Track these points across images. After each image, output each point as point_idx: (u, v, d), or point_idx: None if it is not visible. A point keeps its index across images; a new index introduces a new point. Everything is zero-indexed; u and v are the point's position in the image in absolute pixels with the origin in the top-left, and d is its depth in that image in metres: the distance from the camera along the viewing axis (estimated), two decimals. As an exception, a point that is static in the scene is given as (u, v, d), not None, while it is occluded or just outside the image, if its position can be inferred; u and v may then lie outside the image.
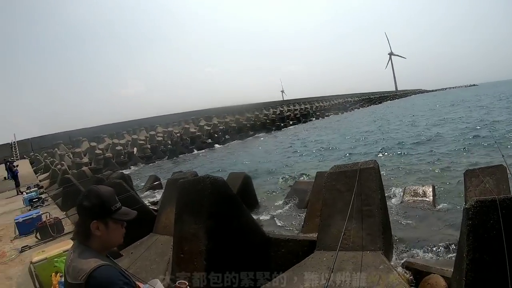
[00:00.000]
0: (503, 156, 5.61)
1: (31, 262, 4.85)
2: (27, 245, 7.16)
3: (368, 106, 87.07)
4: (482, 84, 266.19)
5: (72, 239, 1.91)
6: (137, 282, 2.22)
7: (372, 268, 3.65)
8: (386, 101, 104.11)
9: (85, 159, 32.84)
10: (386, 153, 17.50)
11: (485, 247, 2.29)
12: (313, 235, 4.63)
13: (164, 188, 8.09)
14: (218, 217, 4.14)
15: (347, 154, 19.45)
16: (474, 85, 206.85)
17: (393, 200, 8.44)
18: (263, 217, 9.13)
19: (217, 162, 25.23)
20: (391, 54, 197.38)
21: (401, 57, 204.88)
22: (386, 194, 4.81)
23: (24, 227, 8.45)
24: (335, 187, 4.44)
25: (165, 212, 6.31)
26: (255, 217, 8.97)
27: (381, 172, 4.77)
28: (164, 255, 5.36)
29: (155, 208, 8.10)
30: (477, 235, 2.32)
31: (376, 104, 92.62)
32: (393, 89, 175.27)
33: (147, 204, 8.53)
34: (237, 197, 4.51)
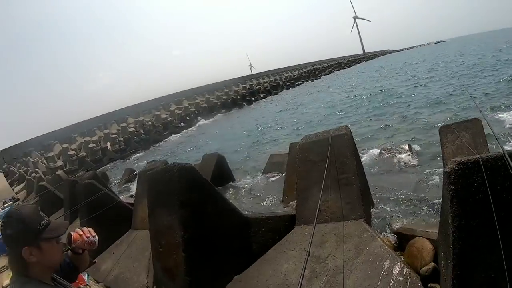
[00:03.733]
0: (479, 108, 5.47)
1: (3, 286, 4.69)
2: (4, 266, 6.84)
3: (337, 71, 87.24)
4: (450, 39, 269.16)
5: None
6: None
7: (355, 237, 3.57)
8: (354, 64, 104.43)
9: (59, 162, 32.13)
10: (358, 117, 17.47)
11: (471, 212, 2.16)
12: (293, 209, 4.53)
13: (136, 181, 7.89)
14: (191, 205, 3.97)
15: (320, 122, 19.34)
16: (441, 41, 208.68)
17: (370, 164, 8.39)
18: (241, 195, 9.01)
19: (191, 145, 24.99)
20: (355, 17, 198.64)
21: (366, 20, 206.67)
22: (362, 159, 4.71)
23: (2, 246, 8.08)
24: (308, 158, 4.33)
25: (140, 206, 6.16)
26: (233, 196, 8.90)
27: (355, 137, 4.65)
28: (145, 251, 5.23)
29: (132, 202, 7.92)
30: (461, 200, 2.18)
31: (345, 68, 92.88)
32: (361, 52, 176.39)
33: (123, 200, 8.28)
34: (208, 181, 4.32)
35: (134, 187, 13.47)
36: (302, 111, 25.88)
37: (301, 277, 2.29)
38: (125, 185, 14.96)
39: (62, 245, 1.91)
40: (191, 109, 44.96)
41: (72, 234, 2.09)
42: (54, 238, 1.79)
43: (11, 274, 4.47)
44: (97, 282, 5.31)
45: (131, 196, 11.86)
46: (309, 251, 2.61)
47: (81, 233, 2.12)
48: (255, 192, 8.89)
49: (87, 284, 4.19)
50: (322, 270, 3.40)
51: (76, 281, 2.34)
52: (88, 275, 5.08)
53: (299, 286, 2.27)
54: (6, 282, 4.55)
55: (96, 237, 2.17)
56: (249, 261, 4.10)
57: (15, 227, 1.68)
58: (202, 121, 41.50)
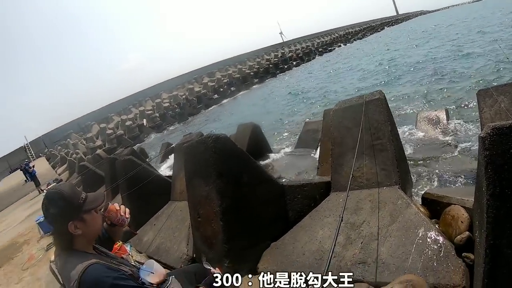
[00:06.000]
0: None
1: (51, 261, 4.96)
2: (51, 242, 7.24)
3: (370, 34, 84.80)
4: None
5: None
6: (139, 264, 2.18)
7: (390, 204, 3.54)
8: (388, 26, 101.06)
9: (98, 142, 33.20)
10: (393, 81, 17.03)
11: (506, 179, 2.04)
12: (329, 176, 4.52)
13: (174, 154, 8.03)
14: (227, 175, 4.03)
15: (354, 87, 18.99)
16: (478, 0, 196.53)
17: (405, 130, 8.25)
18: (277, 164, 9.06)
19: (226, 116, 25.16)
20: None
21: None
22: (397, 125, 4.60)
23: (46, 226, 8.62)
24: (342, 124, 4.27)
25: (179, 178, 6.28)
26: (268, 165, 8.96)
27: (390, 103, 4.54)
28: (184, 221, 5.39)
29: (171, 175, 8.12)
30: (496, 167, 2.05)
31: (378, 31, 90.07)
32: (395, 14, 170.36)
33: (161, 174, 8.50)
34: (243, 151, 4.37)
35: (171, 160, 13.81)
36: (336, 77, 25.46)
37: (334, 243, 2.32)
38: (162, 159, 15.31)
39: (101, 215, 2.06)
40: (224, 81, 45.08)
41: (110, 204, 2.25)
42: (94, 209, 1.93)
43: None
44: (140, 252, 5.53)
45: (169, 169, 12.15)
46: (342, 218, 2.62)
47: (118, 208, 2.28)
48: (290, 160, 8.92)
49: (129, 254, 4.37)
50: (356, 236, 3.41)
51: (119, 251, 2.47)
52: (131, 246, 5.30)
53: (331, 252, 2.30)
54: (53, 257, 4.85)
55: (129, 219, 2.32)
56: (285, 228, 4.16)
57: (59, 205, 1.81)
58: (236, 92, 41.52)
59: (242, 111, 25.30)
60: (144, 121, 36.18)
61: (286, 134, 12.85)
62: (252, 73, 47.41)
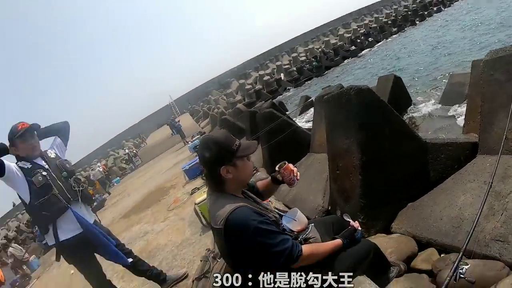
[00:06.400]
0: None
1: (195, 203, 5.43)
2: (196, 187, 8.04)
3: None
4: None
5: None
6: (279, 212, 2.35)
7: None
8: None
9: (238, 97, 34.91)
10: None
11: None
12: (476, 137, 4.12)
13: (314, 107, 8.18)
14: (368, 128, 3.94)
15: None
16: None
17: None
18: (419, 119, 8.64)
19: (365, 68, 24.27)
20: None
21: None
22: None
23: (191, 173, 9.61)
24: (493, 77, 3.72)
25: (318, 130, 6.31)
26: (410, 119, 8.59)
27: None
28: (322, 173, 5.46)
29: (310, 128, 8.26)
30: None
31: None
32: None
33: (301, 126, 8.74)
34: (385, 103, 4.18)
35: (310, 113, 14.01)
36: (487, 23, 22.36)
37: (479, 212, 2.20)
38: (301, 112, 15.60)
39: (252, 163, 2.23)
40: (360, 31, 43.02)
41: (287, 163, 2.42)
42: (246, 156, 2.11)
43: (202, 194, 5.29)
44: (277, 200, 5.80)
45: (308, 121, 12.37)
46: (491, 185, 2.43)
47: (293, 169, 2.42)
48: (433, 115, 8.45)
49: (269, 201, 4.68)
50: (500, 208, 3.02)
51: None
52: (271, 193, 5.63)
53: (475, 222, 2.19)
54: (199, 199, 5.37)
55: (298, 181, 2.44)
56: (424, 189, 3.96)
57: (213, 149, 2.02)
58: (373, 43, 39.40)
59: (381, 63, 24.07)
60: (282, 75, 36.81)
61: (428, 87, 11.97)
62: (389, 22, 43.95)
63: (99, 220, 3.89)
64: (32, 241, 23.25)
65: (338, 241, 2.22)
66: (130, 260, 3.74)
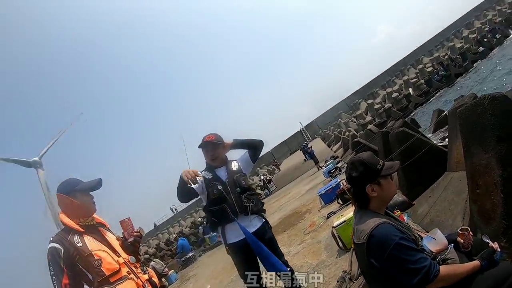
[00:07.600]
0: None
1: (333, 226, 5.48)
2: (332, 211, 8.14)
3: None
4: None
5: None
6: (419, 233, 2.30)
7: None
8: None
9: (368, 118, 34.03)
10: None
11: None
12: None
13: (448, 121, 7.69)
14: (509, 139, 3.54)
15: None
16: None
17: None
18: None
19: (497, 71, 21.92)
20: None
21: None
22: None
23: (326, 197, 9.73)
24: None
25: (455, 147, 5.85)
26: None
27: None
28: (461, 193, 5.08)
29: (445, 144, 7.78)
30: None
31: None
32: None
33: (436, 143, 8.24)
34: None
35: (445, 128, 13.12)
36: None
37: None
38: (435, 128, 14.76)
39: (394, 182, 2.28)
40: (485, 29, 38.68)
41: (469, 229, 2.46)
42: (390, 175, 2.20)
43: (339, 217, 5.33)
44: (414, 223, 5.57)
45: (443, 138, 11.60)
46: None
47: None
48: None
49: (407, 223, 4.49)
50: None
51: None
52: (408, 216, 5.38)
53: None
54: (337, 222, 5.42)
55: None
56: None
57: (359, 169, 2.17)
58: (502, 39, 34.88)
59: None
60: (410, 90, 35.14)
61: None
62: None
63: (270, 226, 4.08)
64: (170, 258, 26.46)
65: (476, 263, 2.11)
66: (288, 269, 3.85)
